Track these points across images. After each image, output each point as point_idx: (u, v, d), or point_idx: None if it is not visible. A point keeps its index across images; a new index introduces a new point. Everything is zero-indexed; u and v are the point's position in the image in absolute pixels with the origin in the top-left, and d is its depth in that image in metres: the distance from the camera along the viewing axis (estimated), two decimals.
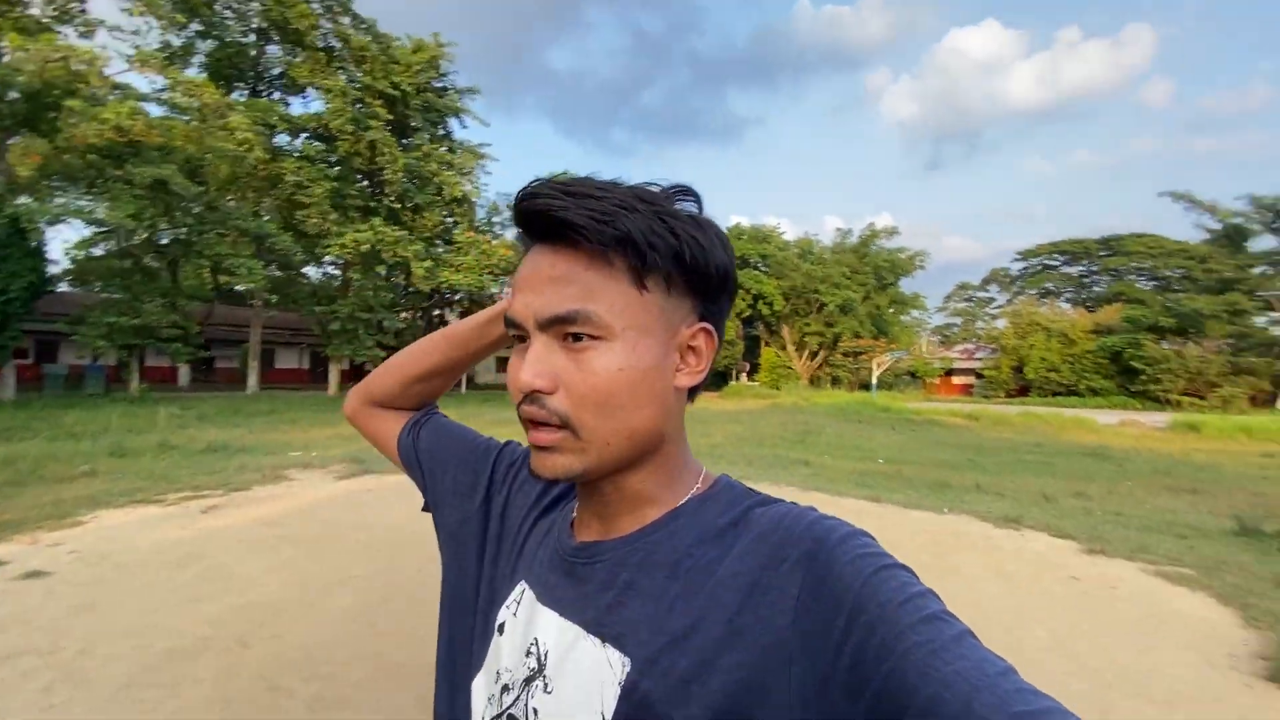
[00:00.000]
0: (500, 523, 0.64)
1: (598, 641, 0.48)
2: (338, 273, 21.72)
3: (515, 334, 0.50)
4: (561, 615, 0.52)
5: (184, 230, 15.78)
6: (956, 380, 41.63)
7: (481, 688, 0.57)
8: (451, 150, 21.98)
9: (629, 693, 0.45)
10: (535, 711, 0.50)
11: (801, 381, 36.02)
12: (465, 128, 22.67)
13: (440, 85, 21.30)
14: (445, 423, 0.76)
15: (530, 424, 0.48)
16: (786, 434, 13.98)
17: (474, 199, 22.84)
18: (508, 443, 0.72)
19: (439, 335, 0.76)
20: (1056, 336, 34.20)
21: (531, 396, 0.47)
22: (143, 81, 15.99)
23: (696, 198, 0.51)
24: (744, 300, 35.43)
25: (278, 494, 6.58)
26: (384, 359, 0.83)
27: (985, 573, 4.55)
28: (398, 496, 6.52)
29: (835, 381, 37.84)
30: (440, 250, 20.49)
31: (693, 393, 0.53)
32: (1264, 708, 2.72)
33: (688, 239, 0.47)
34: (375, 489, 6.92)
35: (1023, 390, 35.33)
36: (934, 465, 9.98)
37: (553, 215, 0.45)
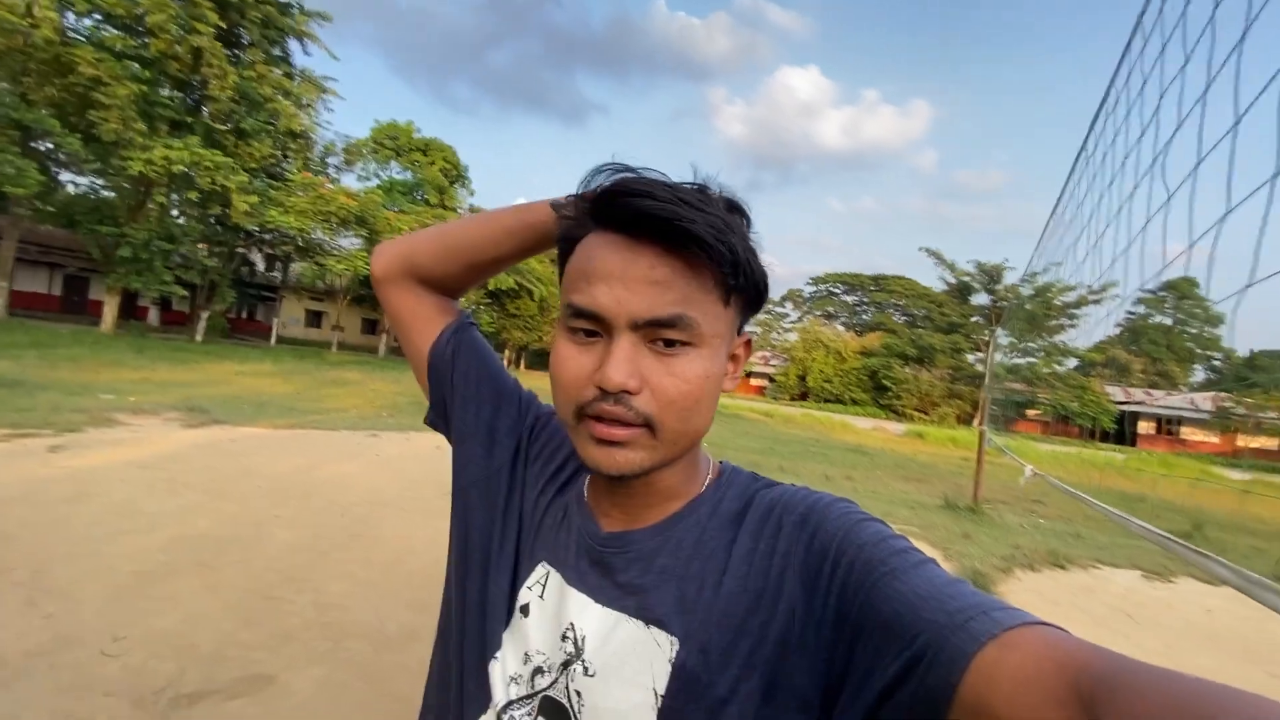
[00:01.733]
0: (521, 493, 0.64)
1: (641, 624, 0.51)
2: (111, 188, 18.17)
3: (582, 326, 0.49)
4: (598, 602, 0.54)
5: None
6: (754, 382, 47.44)
7: (505, 668, 0.56)
8: (289, 76, 19.76)
9: (679, 669, 0.48)
10: (578, 694, 0.51)
11: None
12: (308, 55, 20.45)
13: (284, 1, 19.03)
14: (479, 344, 0.70)
15: (599, 420, 0.48)
16: None
17: (312, 135, 20.81)
18: (532, 396, 0.71)
19: (490, 220, 0.68)
20: (833, 353, 40.88)
21: (617, 396, 0.47)
22: None
23: (745, 215, 0.53)
24: None
25: (123, 438, 6.12)
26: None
27: None
28: (268, 446, 6.46)
29: None
30: (267, 185, 18.41)
31: None
32: None
33: (756, 262, 0.51)
34: (237, 439, 6.69)
35: (804, 395, 41.61)
36: (747, 451, 12.03)
37: (677, 225, 0.45)
